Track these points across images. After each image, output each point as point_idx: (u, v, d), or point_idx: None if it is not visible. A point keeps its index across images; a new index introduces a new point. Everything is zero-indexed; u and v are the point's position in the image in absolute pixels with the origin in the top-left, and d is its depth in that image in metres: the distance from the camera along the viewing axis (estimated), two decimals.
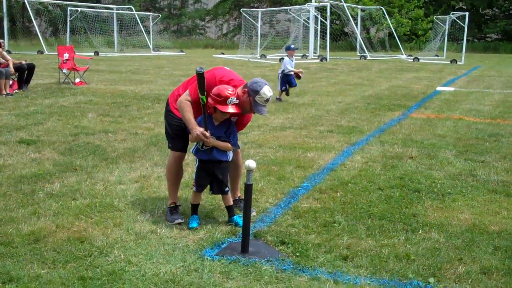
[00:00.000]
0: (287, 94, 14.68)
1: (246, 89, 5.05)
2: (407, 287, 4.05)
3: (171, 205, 5.48)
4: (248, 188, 4.61)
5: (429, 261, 4.45)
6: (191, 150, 5.37)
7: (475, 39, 59.05)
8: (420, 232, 5.11)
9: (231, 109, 4.96)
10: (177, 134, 5.43)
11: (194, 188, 5.27)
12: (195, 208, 5.30)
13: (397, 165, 7.52)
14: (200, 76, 4.88)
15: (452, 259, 4.51)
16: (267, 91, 5.00)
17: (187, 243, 4.76)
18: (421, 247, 4.74)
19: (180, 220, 5.27)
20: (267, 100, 5.04)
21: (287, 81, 14.40)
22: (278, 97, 14.30)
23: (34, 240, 4.70)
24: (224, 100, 4.92)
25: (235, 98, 4.98)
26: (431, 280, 4.14)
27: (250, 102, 5.04)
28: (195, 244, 4.74)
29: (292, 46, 15.47)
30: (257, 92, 4.97)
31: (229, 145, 5.15)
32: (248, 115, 5.46)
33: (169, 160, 5.62)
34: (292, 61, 14.60)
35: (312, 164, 7.56)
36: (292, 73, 14.47)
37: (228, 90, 4.96)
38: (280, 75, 14.54)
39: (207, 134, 4.98)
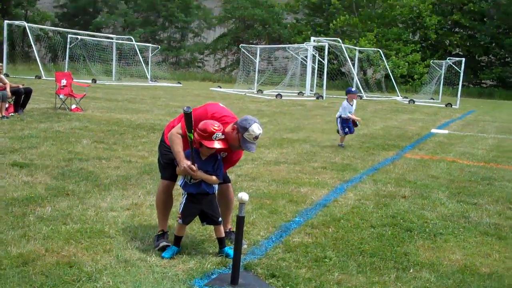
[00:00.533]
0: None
1: (235, 126, 5.09)
2: None
3: (159, 232, 5.49)
4: (240, 220, 4.60)
5: None
6: (178, 183, 5.38)
7: (470, 84, 59.60)
8: (411, 271, 5.09)
9: (217, 145, 4.99)
10: (167, 163, 5.45)
11: (179, 220, 5.22)
12: (178, 240, 5.23)
13: (389, 204, 7.52)
14: (187, 115, 4.94)
15: None
16: (256, 128, 5.02)
17: (176, 272, 4.72)
18: (411, 286, 4.73)
19: (164, 243, 5.23)
20: (256, 137, 5.05)
21: (346, 126, 12.92)
22: (340, 143, 13.00)
23: (23, 263, 4.66)
24: (209, 135, 4.96)
25: (221, 133, 5.01)
26: None
27: (239, 138, 5.06)
28: (185, 273, 4.70)
29: (353, 89, 13.89)
30: (246, 129, 4.99)
31: (215, 178, 5.16)
32: (239, 152, 5.47)
33: (159, 189, 5.63)
34: (352, 105, 13.07)
35: (305, 199, 7.55)
36: (350, 119, 12.98)
37: (213, 125, 5.01)
38: (338, 119, 13.03)
39: (194, 167, 5.00)
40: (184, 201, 5.20)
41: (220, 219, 5.24)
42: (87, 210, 6.33)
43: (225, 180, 5.58)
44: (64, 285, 4.30)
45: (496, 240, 6.19)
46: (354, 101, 13.23)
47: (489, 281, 4.93)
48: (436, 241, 6.05)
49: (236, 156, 5.50)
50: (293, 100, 31.54)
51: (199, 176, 5.05)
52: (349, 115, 12.91)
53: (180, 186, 5.25)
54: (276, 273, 4.81)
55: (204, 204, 5.17)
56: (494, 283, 4.88)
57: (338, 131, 13.19)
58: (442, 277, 4.98)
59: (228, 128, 5.13)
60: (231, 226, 5.76)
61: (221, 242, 5.26)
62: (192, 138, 5.03)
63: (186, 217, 5.18)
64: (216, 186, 5.29)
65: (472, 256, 5.58)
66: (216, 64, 74.38)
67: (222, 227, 5.30)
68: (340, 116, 13.01)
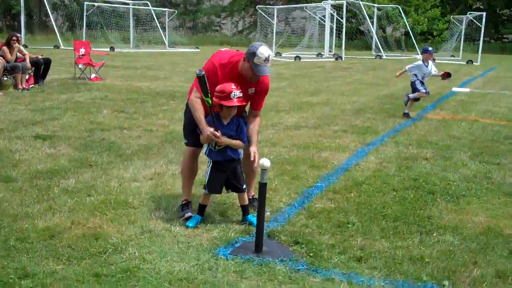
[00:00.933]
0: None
1: (244, 56, 5.10)
2: None
3: (183, 202, 5.53)
4: (262, 187, 4.61)
5: (443, 264, 4.44)
6: (203, 151, 5.39)
7: (491, 39, 58.65)
8: (435, 234, 5.09)
9: (236, 103, 4.98)
10: (193, 129, 5.40)
11: (205, 190, 5.24)
12: (202, 208, 5.26)
13: (411, 166, 7.49)
14: (200, 79, 4.92)
15: (467, 262, 4.49)
16: (264, 50, 4.99)
17: (201, 241, 4.77)
18: (435, 250, 4.73)
19: (189, 214, 5.28)
20: (267, 59, 5.01)
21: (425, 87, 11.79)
22: (407, 111, 11.88)
23: (50, 236, 4.74)
24: (227, 95, 4.95)
25: (239, 91, 4.99)
26: (446, 283, 4.13)
27: (251, 66, 5.04)
28: (209, 242, 4.75)
29: (430, 48, 12.27)
30: (254, 54, 4.98)
31: (240, 142, 5.16)
32: (263, 82, 5.35)
33: (184, 156, 5.66)
34: (428, 66, 11.81)
35: (326, 164, 7.55)
36: (420, 80, 11.80)
37: (230, 85, 5.00)
38: (417, 82, 11.79)
39: (218, 133, 4.99)
40: (209, 170, 5.20)
41: (244, 186, 5.26)
42: (111, 181, 6.39)
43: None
44: (90, 257, 4.36)
45: None
46: (430, 62, 11.93)
47: None
48: (459, 203, 6.03)
49: (263, 86, 5.39)
50: (312, 62, 31.36)
51: (224, 142, 5.04)
52: (434, 73, 11.91)
53: (205, 154, 5.25)
54: (299, 240, 4.84)
55: (230, 172, 5.19)
56: None
57: (405, 102, 12.05)
58: (466, 240, 4.97)
59: (240, 63, 5.14)
60: (254, 193, 5.76)
61: (244, 209, 5.29)
62: (210, 102, 5.01)
63: (212, 186, 5.20)
64: (242, 151, 5.28)
65: (496, 218, 5.56)
66: (233, 27, 73.92)
67: (246, 195, 5.32)
68: (416, 79, 11.77)
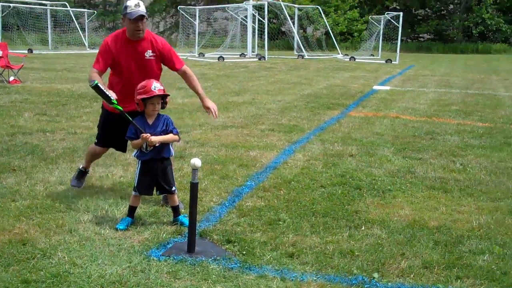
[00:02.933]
0: None
1: (122, 18, 5.59)
2: (352, 283, 4.13)
3: (82, 168, 6.29)
4: (194, 187, 4.60)
5: (372, 257, 4.55)
6: (132, 154, 5.34)
7: (408, 39, 60.51)
8: (363, 228, 5.22)
9: (157, 92, 4.98)
10: (106, 131, 5.82)
11: (134, 192, 5.18)
12: (132, 210, 5.20)
13: (338, 163, 7.64)
14: (95, 88, 5.07)
15: (395, 254, 4.63)
16: (132, 0, 5.39)
17: (132, 243, 4.71)
18: (364, 243, 4.85)
19: (77, 188, 5.99)
20: (136, 5, 5.39)
21: None
22: None
23: None
24: (148, 88, 4.97)
25: (159, 84, 5.06)
26: (375, 275, 4.24)
27: (128, 19, 5.39)
28: (141, 244, 4.70)
29: None
30: (126, 7, 5.43)
31: (172, 135, 5.12)
32: (160, 47, 5.65)
33: (89, 150, 6.34)
34: None
35: (255, 162, 7.59)
36: None
37: (150, 81, 5.08)
38: None
39: (148, 135, 4.95)
40: (138, 171, 5.15)
41: (174, 188, 5.23)
42: (36, 185, 6.22)
43: None
44: (18, 263, 4.23)
45: (442, 194, 6.39)
46: None
47: (438, 234, 5.10)
48: (385, 197, 6.20)
49: (158, 43, 5.67)
50: (235, 62, 31.44)
51: (155, 140, 4.97)
52: None
53: (134, 156, 5.19)
54: (232, 239, 4.86)
55: (159, 172, 5.14)
56: (443, 236, 5.05)
57: None
58: (393, 232, 5.12)
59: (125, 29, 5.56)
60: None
61: (175, 210, 5.26)
62: (121, 108, 5.07)
63: (141, 187, 5.14)
64: (173, 150, 5.27)
65: (421, 211, 5.75)
66: (154, 27, 73.09)
67: (176, 196, 5.29)
68: None
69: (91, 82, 5.01)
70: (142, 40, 5.58)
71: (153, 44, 5.62)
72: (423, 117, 12.02)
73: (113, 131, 5.76)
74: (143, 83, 5.05)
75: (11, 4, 40.66)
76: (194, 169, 4.55)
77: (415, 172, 7.26)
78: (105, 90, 5.08)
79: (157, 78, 5.60)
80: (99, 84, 5.03)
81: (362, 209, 5.77)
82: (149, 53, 5.60)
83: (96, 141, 6.13)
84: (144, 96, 4.95)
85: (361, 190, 6.44)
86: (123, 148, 6.09)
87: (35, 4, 43.26)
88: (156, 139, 4.98)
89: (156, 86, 4.98)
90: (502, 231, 5.22)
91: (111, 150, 6.26)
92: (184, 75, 5.83)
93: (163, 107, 5.14)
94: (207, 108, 5.76)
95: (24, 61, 18.23)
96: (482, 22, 56.53)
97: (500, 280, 4.21)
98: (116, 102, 5.08)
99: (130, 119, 5.01)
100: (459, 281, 4.19)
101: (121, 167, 7.10)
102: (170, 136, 5.11)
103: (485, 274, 4.30)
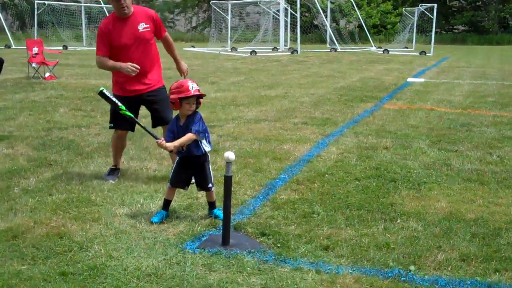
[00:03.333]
0: None
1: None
2: (388, 275, 4.09)
3: (112, 167, 6.50)
4: (228, 180, 4.60)
5: (408, 250, 4.51)
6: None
7: (443, 30, 59.71)
8: (398, 221, 5.17)
9: (195, 92, 4.96)
10: (116, 114, 5.89)
11: (169, 184, 5.22)
12: (167, 203, 5.22)
13: (372, 156, 7.58)
14: (102, 95, 5.28)
15: (431, 247, 4.57)
16: None
17: (167, 236, 4.74)
18: (400, 236, 4.80)
19: (111, 181, 6.08)
20: None
21: None
22: None
23: (12, 236, 4.65)
24: (186, 88, 4.94)
25: (195, 84, 5.02)
26: (412, 268, 4.20)
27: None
28: (176, 237, 4.72)
29: None
30: None
31: (190, 134, 5.00)
32: (150, 18, 6.18)
33: (112, 138, 6.59)
34: None
35: (288, 156, 7.58)
36: None
37: (186, 81, 5.05)
38: None
39: (161, 142, 4.98)
40: (175, 165, 5.20)
41: (210, 185, 5.21)
42: (72, 180, 6.29)
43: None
44: (56, 256, 4.29)
45: (479, 186, 6.30)
46: None
47: (475, 226, 5.02)
48: (421, 190, 6.13)
49: (147, 15, 6.19)
50: (268, 56, 31.41)
51: (172, 146, 4.96)
52: None
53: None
54: (266, 231, 4.85)
55: (196, 168, 5.17)
56: (480, 229, 4.97)
57: None
58: (429, 225, 5.06)
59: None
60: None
61: (211, 205, 5.27)
62: (130, 114, 5.34)
63: (174, 180, 5.18)
64: (205, 147, 5.14)
65: (457, 203, 5.67)
66: (187, 23, 73.43)
67: (213, 193, 5.28)
68: None
69: (98, 90, 5.27)
70: (132, 15, 5.99)
71: (146, 16, 6.11)
72: (459, 109, 11.84)
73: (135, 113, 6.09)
74: (179, 82, 5.01)
75: (46, 2, 41.21)
76: (228, 163, 4.55)
77: (451, 165, 7.16)
78: (110, 96, 5.32)
79: (149, 51, 6.16)
80: (104, 91, 5.23)
81: (397, 201, 5.71)
82: (142, 26, 6.05)
83: (111, 125, 6.40)
84: (182, 95, 4.94)
85: (396, 182, 6.37)
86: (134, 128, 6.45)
87: (69, 1, 43.75)
88: (170, 145, 4.97)
89: (193, 86, 4.95)
90: None
91: (146, 143, 6.36)
92: (167, 41, 6.48)
93: (197, 107, 5.14)
94: (180, 69, 6.51)
95: (59, 58, 18.46)
96: None
97: None
98: (124, 108, 5.31)
99: (142, 125, 5.23)
100: (497, 274, 4.12)
101: (156, 161, 7.14)
102: (186, 138, 4.99)
103: None
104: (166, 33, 6.44)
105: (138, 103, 6.31)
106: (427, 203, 5.66)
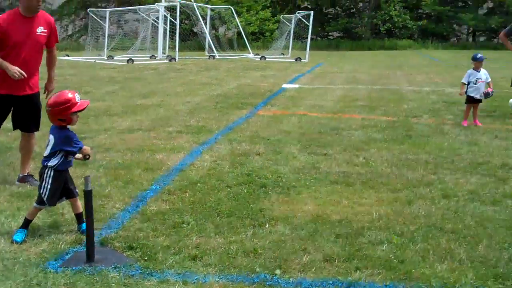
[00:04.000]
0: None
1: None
2: (254, 281, 4.14)
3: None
4: (88, 194, 4.46)
5: (275, 254, 4.59)
6: (50, 163, 4.90)
7: (318, 37, 61.53)
8: (267, 226, 5.25)
9: (85, 103, 4.97)
10: None
11: (39, 205, 4.97)
12: (28, 222, 4.98)
13: (244, 162, 7.66)
14: None
15: (297, 250, 4.68)
16: None
17: (28, 256, 4.54)
18: (267, 241, 4.87)
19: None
20: None
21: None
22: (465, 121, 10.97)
23: None
24: (75, 100, 4.88)
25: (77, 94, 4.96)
26: (277, 271, 4.28)
27: None
28: (37, 257, 4.53)
29: (479, 55, 11.15)
30: None
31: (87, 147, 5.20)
32: (50, 26, 6.36)
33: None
34: (479, 73, 10.97)
35: (161, 166, 7.50)
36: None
37: (65, 93, 4.92)
38: (472, 89, 10.91)
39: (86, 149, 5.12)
40: (50, 181, 4.87)
41: (77, 190, 5.10)
42: None
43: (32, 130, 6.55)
44: None
45: (344, 187, 6.53)
46: (482, 69, 11.07)
47: (339, 227, 5.20)
48: (290, 194, 6.26)
49: (50, 24, 6.37)
50: (145, 64, 31.01)
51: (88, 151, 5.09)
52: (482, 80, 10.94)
53: (52, 165, 4.88)
54: (133, 245, 4.77)
55: (67, 179, 5.04)
56: (344, 229, 5.15)
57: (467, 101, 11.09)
58: (296, 228, 5.18)
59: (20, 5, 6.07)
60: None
61: (79, 218, 5.09)
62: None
63: (54, 198, 4.93)
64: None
65: (324, 205, 5.84)
66: (63, 31, 71.19)
67: (78, 201, 5.12)
68: (468, 88, 10.94)
69: None
70: (35, 17, 6.08)
71: (46, 22, 6.22)
72: (330, 113, 12.23)
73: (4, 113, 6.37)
74: (60, 97, 4.85)
75: None
76: (86, 177, 4.44)
77: (320, 168, 7.38)
78: None
79: (38, 55, 6.28)
80: None
81: (267, 207, 5.80)
82: (40, 29, 6.16)
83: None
84: (75, 109, 4.86)
85: (266, 188, 6.47)
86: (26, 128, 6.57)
87: None
88: (85, 150, 5.06)
89: (77, 96, 4.91)
90: (401, 221, 5.39)
91: (10, 157, 6.12)
92: (52, 54, 6.65)
93: None
94: (48, 88, 6.69)
95: None
96: (389, 19, 58.09)
97: (397, 269, 4.33)
98: None
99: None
100: (358, 272, 4.28)
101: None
102: (88, 148, 5.20)
103: (383, 263, 4.42)
104: (55, 46, 6.65)
105: (11, 105, 6.35)
106: (295, 207, 5.79)
